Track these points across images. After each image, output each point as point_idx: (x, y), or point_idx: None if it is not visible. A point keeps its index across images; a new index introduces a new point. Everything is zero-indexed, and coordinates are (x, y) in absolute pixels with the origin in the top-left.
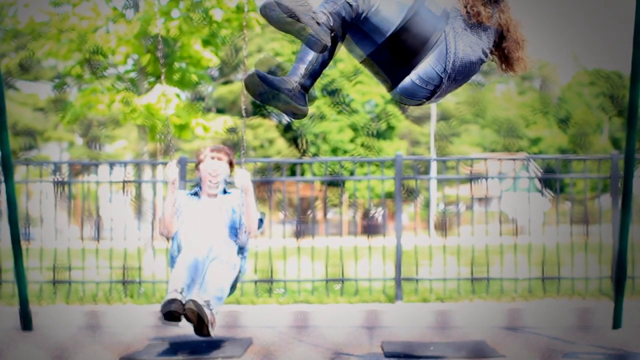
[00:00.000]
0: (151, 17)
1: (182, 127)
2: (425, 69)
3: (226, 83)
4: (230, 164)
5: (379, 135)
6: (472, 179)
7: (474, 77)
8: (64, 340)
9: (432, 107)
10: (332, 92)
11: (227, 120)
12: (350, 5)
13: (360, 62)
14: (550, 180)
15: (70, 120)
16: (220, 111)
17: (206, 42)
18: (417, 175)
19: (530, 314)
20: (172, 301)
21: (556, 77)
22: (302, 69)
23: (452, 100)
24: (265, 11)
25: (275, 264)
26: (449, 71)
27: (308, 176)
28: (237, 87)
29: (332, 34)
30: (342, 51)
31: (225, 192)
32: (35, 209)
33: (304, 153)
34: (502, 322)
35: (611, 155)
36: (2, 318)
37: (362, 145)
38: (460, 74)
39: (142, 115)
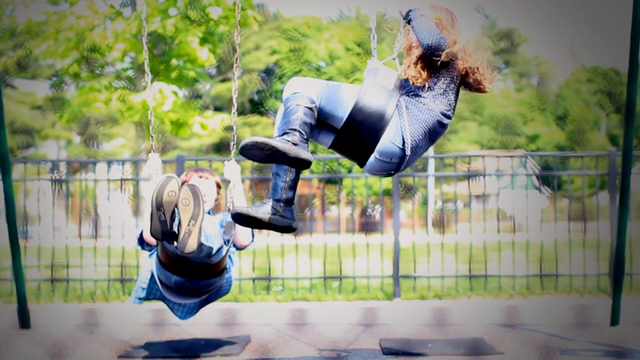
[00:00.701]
0: (149, 14)
1: (179, 125)
2: (385, 145)
3: (224, 81)
4: (218, 186)
5: None
6: (469, 176)
7: None
8: (62, 338)
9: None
10: None
11: (225, 119)
12: (310, 109)
13: (328, 148)
14: (548, 178)
15: (68, 118)
16: (217, 109)
17: (204, 40)
18: (415, 172)
19: (528, 311)
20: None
21: (554, 74)
22: (280, 185)
23: None
24: (244, 151)
25: (273, 261)
26: (408, 143)
27: (306, 174)
28: None
29: (307, 143)
30: (339, 49)
31: (209, 213)
32: (33, 207)
33: None
34: (500, 319)
35: (609, 152)
36: (0, 316)
37: None
38: (422, 142)
39: (139, 112)
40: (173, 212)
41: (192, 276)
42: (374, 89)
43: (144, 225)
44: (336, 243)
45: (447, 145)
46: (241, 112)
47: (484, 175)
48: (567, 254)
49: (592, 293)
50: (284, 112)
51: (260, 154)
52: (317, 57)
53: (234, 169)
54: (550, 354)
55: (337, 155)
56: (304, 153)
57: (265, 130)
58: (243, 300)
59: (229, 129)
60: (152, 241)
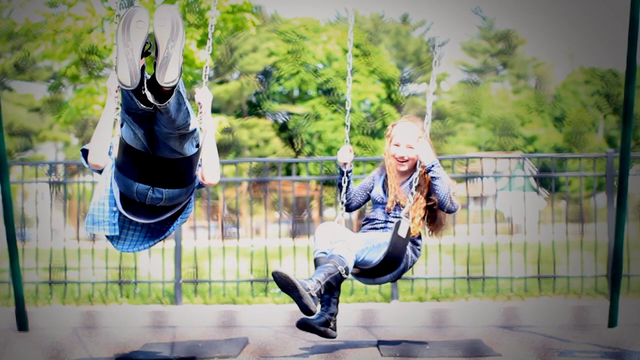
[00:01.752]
0: None
1: None
2: (384, 279)
3: (221, 83)
4: None
5: (374, 134)
6: (467, 177)
7: (468, 76)
8: (60, 341)
9: (427, 106)
10: (327, 92)
11: (223, 121)
12: (343, 278)
13: None
14: (546, 179)
15: (66, 120)
16: (215, 111)
17: (201, 42)
18: None
19: (526, 312)
20: None
21: (551, 76)
22: (333, 300)
23: (447, 99)
24: (274, 276)
25: (271, 263)
26: (399, 277)
27: (304, 176)
28: (232, 86)
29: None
30: (337, 51)
31: None
32: (31, 209)
33: (299, 152)
34: (498, 320)
35: (606, 153)
36: None
37: (358, 144)
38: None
39: None
40: (144, 49)
41: (157, 180)
42: (398, 244)
43: (91, 145)
44: None
45: (444, 147)
46: (239, 114)
47: (482, 177)
48: (564, 255)
49: (590, 294)
50: (324, 262)
51: (285, 285)
52: (314, 58)
53: (205, 94)
54: (548, 356)
55: (335, 157)
56: (312, 305)
57: (263, 132)
58: (241, 302)
59: (226, 131)
60: (99, 165)
